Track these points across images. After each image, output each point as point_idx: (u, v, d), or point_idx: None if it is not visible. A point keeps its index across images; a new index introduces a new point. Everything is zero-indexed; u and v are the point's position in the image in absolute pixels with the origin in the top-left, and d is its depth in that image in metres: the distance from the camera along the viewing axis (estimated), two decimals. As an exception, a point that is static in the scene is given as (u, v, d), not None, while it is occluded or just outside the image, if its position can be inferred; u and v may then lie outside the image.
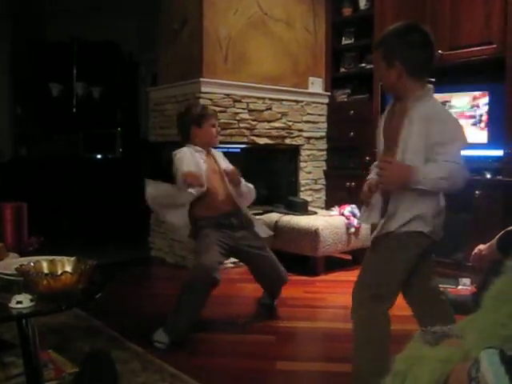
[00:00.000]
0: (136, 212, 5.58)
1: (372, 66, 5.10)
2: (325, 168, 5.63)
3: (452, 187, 2.15)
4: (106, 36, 6.59)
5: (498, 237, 3.16)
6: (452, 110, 4.38)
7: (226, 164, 3.46)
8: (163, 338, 2.93)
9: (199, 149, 3.34)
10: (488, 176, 4.15)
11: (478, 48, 4.18)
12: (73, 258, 1.78)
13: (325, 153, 5.63)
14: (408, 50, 2.19)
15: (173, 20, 5.03)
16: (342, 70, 5.65)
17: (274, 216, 4.85)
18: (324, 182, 5.63)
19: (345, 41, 5.62)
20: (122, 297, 3.77)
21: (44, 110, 6.45)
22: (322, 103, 5.58)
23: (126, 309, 3.58)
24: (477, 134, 4.25)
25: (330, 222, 4.51)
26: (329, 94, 5.60)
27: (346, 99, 5.57)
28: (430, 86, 2.22)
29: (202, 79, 4.53)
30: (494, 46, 4.09)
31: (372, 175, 2.39)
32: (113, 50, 6.84)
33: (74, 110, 6.51)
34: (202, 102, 4.54)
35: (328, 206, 5.43)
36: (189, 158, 3.28)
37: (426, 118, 2.13)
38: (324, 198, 5.65)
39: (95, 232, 5.70)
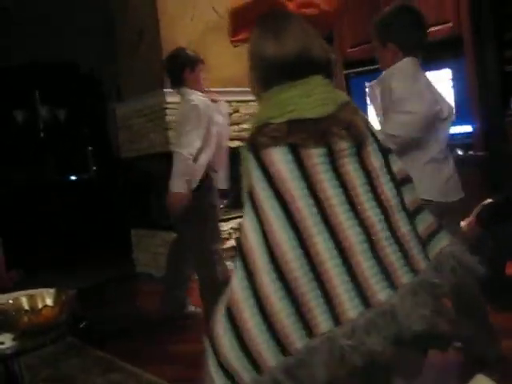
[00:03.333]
0: (116, 229, 5.55)
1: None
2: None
3: None
4: (64, 56, 6.51)
5: (476, 212, 3.18)
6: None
7: None
8: None
9: (203, 96, 3.26)
10: (460, 152, 4.19)
11: (435, 28, 4.20)
12: (52, 290, 1.75)
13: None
14: (400, 31, 2.23)
15: (130, 32, 4.99)
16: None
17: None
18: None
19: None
20: (112, 317, 3.74)
21: (10, 138, 6.36)
22: (289, 99, 5.58)
23: (117, 329, 3.54)
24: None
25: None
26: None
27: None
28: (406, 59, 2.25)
29: (165, 90, 4.49)
30: (450, 24, 4.12)
31: None
32: (73, 70, 6.77)
33: (42, 134, 6.42)
34: (168, 112, 4.52)
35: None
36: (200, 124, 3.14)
37: None
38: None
39: (78, 255, 5.64)
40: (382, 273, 1.18)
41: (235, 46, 1.50)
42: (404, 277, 1.20)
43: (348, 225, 1.19)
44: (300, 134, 1.23)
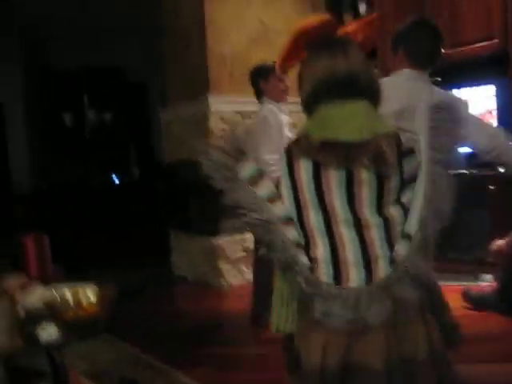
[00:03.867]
0: (156, 232, 5.67)
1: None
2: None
3: None
4: (113, 61, 6.69)
5: (513, 233, 3.16)
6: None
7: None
8: None
9: (277, 105, 3.35)
10: (501, 170, 4.14)
11: (481, 44, 4.18)
12: (95, 285, 1.84)
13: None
14: (411, 40, 2.31)
15: (177, 41, 5.12)
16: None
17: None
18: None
19: (348, 47, 5.64)
20: (147, 316, 3.83)
21: (59, 139, 6.57)
22: (331, 110, 5.60)
23: (151, 328, 3.62)
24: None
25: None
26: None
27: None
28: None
29: (209, 97, 4.59)
30: (496, 40, 4.09)
31: None
32: (120, 75, 6.94)
33: (87, 136, 6.61)
34: (211, 119, 4.61)
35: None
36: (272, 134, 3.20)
37: None
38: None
39: (117, 255, 5.77)
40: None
41: (283, 73, 1.64)
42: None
43: (347, 238, 1.40)
44: (326, 155, 1.38)
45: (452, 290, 3.84)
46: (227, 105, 4.71)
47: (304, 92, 1.50)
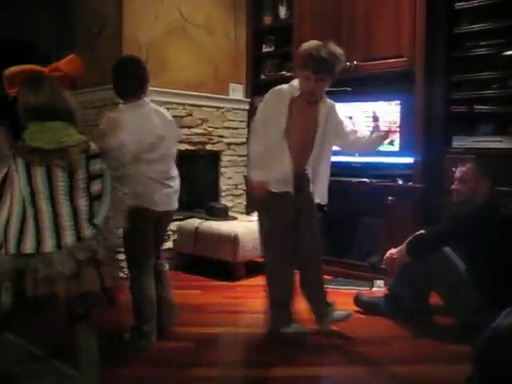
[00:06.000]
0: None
1: (291, 73, 5.20)
2: (245, 173, 5.68)
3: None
4: (18, 34, 6.32)
5: (406, 241, 3.31)
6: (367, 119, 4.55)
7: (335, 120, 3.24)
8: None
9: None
10: (400, 182, 4.34)
11: (390, 60, 4.36)
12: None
13: (245, 158, 5.68)
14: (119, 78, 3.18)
15: (91, 22, 4.93)
16: (263, 76, 5.73)
17: (194, 222, 4.85)
18: (244, 187, 5.68)
19: (265, 48, 5.70)
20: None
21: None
22: (243, 109, 5.64)
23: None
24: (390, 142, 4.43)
25: (250, 227, 4.51)
26: (249, 100, 5.66)
27: (266, 106, 5.64)
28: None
29: (120, 85, 4.45)
30: (405, 59, 4.27)
31: None
32: (27, 50, 6.58)
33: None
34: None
35: (248, 210, 5.49)
36: (271, 109, 3.05)
37: None
38: (244, 203, 5.71)
39: None
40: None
41: (12, 94, 2.19)
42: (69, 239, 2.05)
43: (44, 204, 2.03)
44: (33, 156, 2.03)
45: (345, 294, 3.98)
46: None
47: (20, 112, 2.15)
